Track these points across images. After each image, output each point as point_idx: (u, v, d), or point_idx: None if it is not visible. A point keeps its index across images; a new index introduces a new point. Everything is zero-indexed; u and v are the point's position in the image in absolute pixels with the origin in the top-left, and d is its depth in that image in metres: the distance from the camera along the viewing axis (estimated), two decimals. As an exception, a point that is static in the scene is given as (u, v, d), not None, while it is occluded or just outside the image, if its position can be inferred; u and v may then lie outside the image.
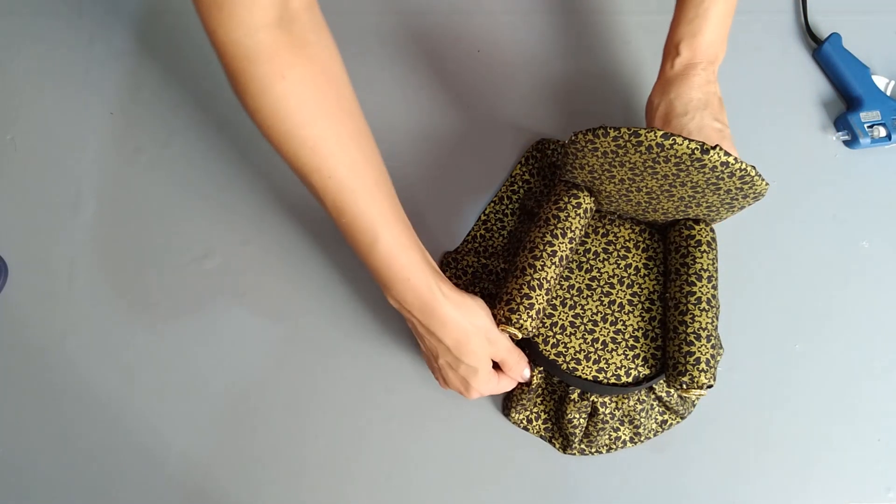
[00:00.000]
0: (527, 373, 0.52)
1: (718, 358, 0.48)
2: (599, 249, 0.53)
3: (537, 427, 0.55)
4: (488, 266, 0.56)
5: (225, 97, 0.61)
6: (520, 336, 0.49)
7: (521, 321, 0.48)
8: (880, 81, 0.63)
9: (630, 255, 0.53)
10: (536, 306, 0.48)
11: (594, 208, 0.52)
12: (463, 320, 0.47)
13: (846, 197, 0.62)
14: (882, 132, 0.61)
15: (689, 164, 0.43)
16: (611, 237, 0.54)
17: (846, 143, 0.63)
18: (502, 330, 0.49)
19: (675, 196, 0.48)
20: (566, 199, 0.51)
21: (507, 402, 0.55)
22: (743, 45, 0.64)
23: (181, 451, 0.55)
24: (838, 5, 0.66)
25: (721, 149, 0.43)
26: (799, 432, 0.56)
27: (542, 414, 0.55)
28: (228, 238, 0.59)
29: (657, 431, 0.55)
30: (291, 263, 0.58)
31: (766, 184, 0.45)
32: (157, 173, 0.60)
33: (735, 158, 0.43)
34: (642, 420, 0.54)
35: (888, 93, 0.63)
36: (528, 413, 0.55)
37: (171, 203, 0.59)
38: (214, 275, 0.58)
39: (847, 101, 0.64)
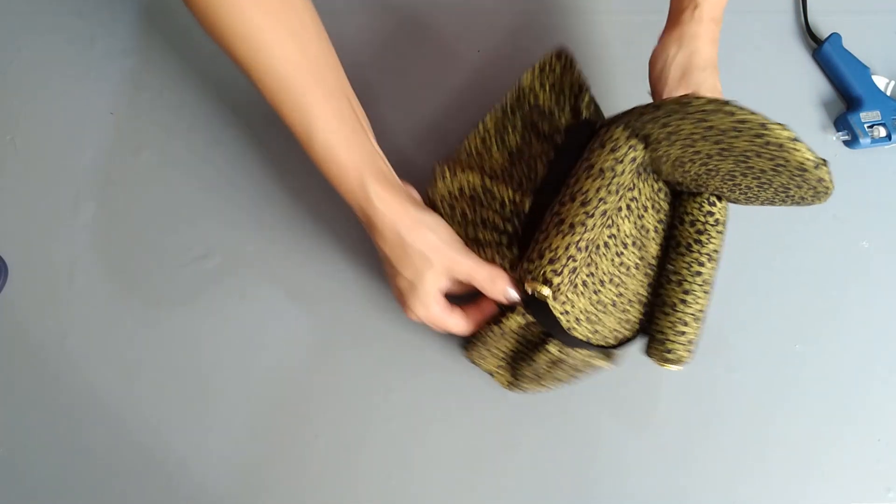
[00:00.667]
0: (512, 293, 0.46)
1: None
2: (623, 205, 0.48)
3: (489, 363, 0.52)
4: (492, 192, 0.49)
5: (226, 97, 0.61)
6: (546, 296, 0.44)
7: (562, 285, 0.43)
8: (880, 81, 0.63)
9: (646, 215, 0.49)
10: (577, 270, 0.44)
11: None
12: (405, 233, 0.45)
13: (846, 197, 0.62)
14: (882, 132, 0.61)
15: (790, 170, 0.41)
16: (635, 192, 0.49)
17: (846, 143, 0.63)
18: (528, 285, 0.44)
19: (733, 182, 0.45)
20: (625, 150, 0.45)
21: (473, 342, 0.51)
22: (743, 45, 0.64)
23: (181, 451, 0.55)
24: (838, 5, 0.66)
25: (828, 168, 0.41)
26: (799, 432, 0.56)
27: (499, 352, 0.51)
28: (228, 238, 0.59)
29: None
30: (292, 264, 0.58)
31: (827, 197, 0.44)
32: (157, 173, 0.60)
33: (831, 179, 0.41)
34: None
35: (888, 93, 0.63)
36: (485, 350, 0.51)
37: (172, 203, 0.59)
38: (215, 274, 0.58)
39: (847, 101, 0.64)
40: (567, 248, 0.43)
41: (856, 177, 0.62)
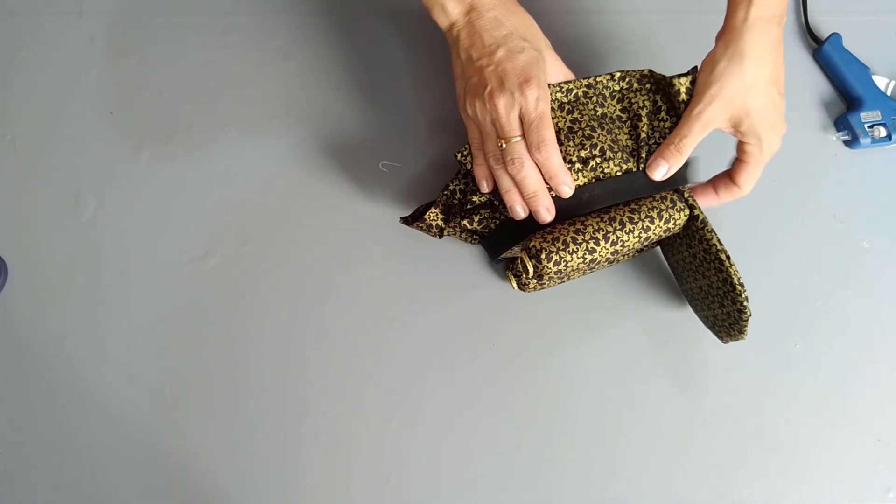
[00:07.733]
0: (567, 190, 0.46)
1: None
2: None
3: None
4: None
5: (225, 97, 0.61)
6: (529, 272, 0.48)
7: (548, 270, 0.47)
8: (880, 81, 0.63)
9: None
10: (560, 264, 0.47)
11: None
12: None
13: (846, 197, 0.62)
14: (882, 132, 0.61)
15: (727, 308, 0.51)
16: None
17: (846, 143, 0.63)
18: (522, 255, 0.48)
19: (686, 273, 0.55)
20: (672, 214, 0.51)
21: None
22: (743, 45, 0.64)
23: (181, 452, 0.55)
24: (838, 5, 0.66)
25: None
26: (799, 432, 0.56)
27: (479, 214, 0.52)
28: (228, 238, 0.59)
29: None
30: (291, 264, 0.58)
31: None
32: (157, 172, 0.60)
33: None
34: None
35: (888, 93, 0.63)
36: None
37: (171, 202, 0.59)
38: (214, 275, 0.58)
39: (847, 101, 0.64)
40: (568, 254, 0.47)
41: (856, 177, 0.62)
